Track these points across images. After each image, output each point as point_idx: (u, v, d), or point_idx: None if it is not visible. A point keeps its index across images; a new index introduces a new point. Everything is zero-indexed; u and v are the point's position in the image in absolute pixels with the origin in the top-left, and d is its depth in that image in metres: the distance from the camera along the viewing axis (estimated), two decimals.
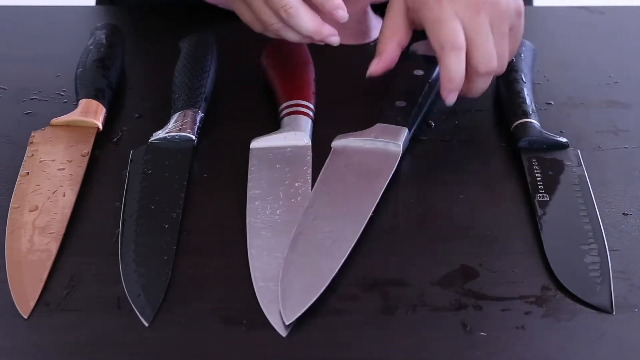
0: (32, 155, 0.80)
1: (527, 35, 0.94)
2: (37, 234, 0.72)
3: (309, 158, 0.79)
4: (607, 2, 0.98)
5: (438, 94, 0.81)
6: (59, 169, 0.78)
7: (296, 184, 0.76)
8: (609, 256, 0.70)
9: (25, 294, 0.67)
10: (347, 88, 0.89)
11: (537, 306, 0.67)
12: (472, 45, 0.77)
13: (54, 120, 0.83)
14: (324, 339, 0.65)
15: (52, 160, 0.79)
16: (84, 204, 0.76)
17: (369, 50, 0.94)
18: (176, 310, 0.67)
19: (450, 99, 0.78)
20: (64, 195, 0.75)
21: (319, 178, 0.76)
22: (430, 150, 0.79)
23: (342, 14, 0.79)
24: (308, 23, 0.79)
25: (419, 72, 0.86)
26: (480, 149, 0.83)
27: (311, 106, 0.84)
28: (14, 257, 0.70)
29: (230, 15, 0.89)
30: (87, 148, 0.80)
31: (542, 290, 0.68)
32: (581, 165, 0.79)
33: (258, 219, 0.73)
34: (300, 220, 0.72)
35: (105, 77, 0.87)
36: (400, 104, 0.83)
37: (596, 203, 0.75)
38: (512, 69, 0.87)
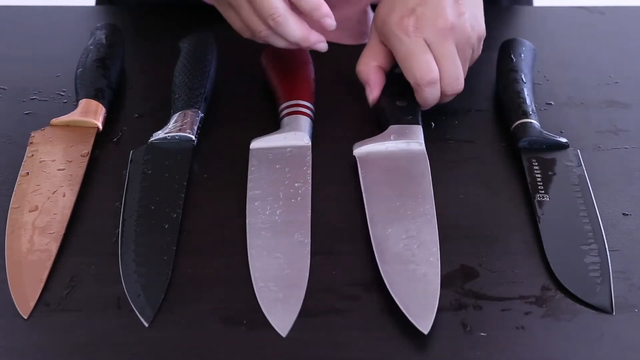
0: (32, 155, 0.80)
1: (527, 35, 0.94)
2: (37, 234, 0.72)
3: (309, 158, 0.79)
4: (607, 2, 0.98)
5: None
6: (58, 169, 0.78)
7: (296, 184, 0.76)
8: (609, 256, 0.70)
9: (25, 294, 0.68)
10: (347, 88, 0.89)
11: (537, 306, 0.67)
12: (442, 70, 0.81)
13: (54, 121, 0.83)
14: (324, 339, 0.65)
15: (52, 161, 0.79)
16: (84, 204, 0.76)
17: None
18: (176, 310, 0.67)
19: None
20: (63, 196, 0.75)
21: (363, 189, 0.76)
22: (430, 150, 0.79)
23: (330, 22, 0.81)
24: (295, 31, 0.81)
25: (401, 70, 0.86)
26: (480, 149, 0.83)
27: (311, 106, 0.84)
28: (14, 257, 0.70)
29: None
30: (87, 148, 0.80)
31: (542, 290, 0.68)
32: (581, 165, 0.79)
33: (258, 219, 0.73)
34: (372, 233, 0.71)
35: (105, 77, 0.87)
36: (401, 103, 0.83)
37: (596, 203, 0.75)
38: (512, 69, 0.87)
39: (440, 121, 0.85)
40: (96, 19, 1.03)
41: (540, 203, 0.75)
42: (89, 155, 0.80)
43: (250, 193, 0.76)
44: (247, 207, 0.74)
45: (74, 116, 0.83)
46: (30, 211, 0.74)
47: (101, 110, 0.84)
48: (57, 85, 0.90)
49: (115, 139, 0.83)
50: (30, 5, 1.05)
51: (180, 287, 0.68)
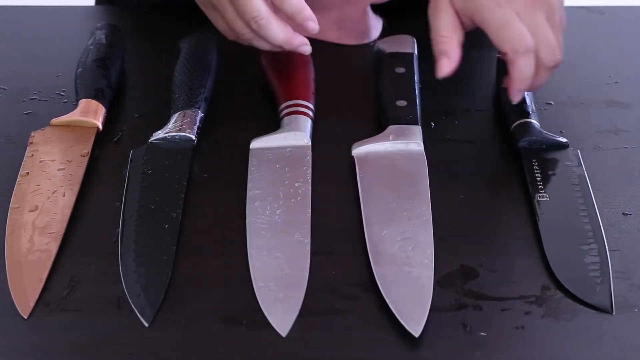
0: (32, 155, 0.80)
1: None
2: (37, 234, 0.72)
3: (309, 158, 0.79)
4: (607, 2, 0.98)
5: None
6: (58, 169, 0.78)
7: (296, 184, 0.76)
8: (609, 256, 0.70)
9: (25, 294, 0.68)
10: (347, 88, 0.89)
11: (537, 306, 0.67)
12: (539, 41, 0.78)
13: (54, 120, 0.83)
14: (324, 339, 0.65)
15: (52, 160, 0.79)
16: (84, 204, 0.76)
17: (368, 50, 0.94)
18: (176, 310, 0.67)
19: (517, 98, 0.80)
20: (63, 195, 0.75)
21: (360, 190, 0.76)
22: (430, 150, 0.79)
23: (313, 26, 0.81)
24: (278, 34, 0.80)
25: (401, 70, 0.86)
26: (480, 149, 0.83)
27: (311, 106, 0.84)
28: (14, 257, 0.70)
29: None
30: (87, 148, 0.80)
31: (542, 290, 0.68)
32: (581, 165, 0.79)
33: (258, 219, 0.73)
34: (368, 234, 0.71)
35: (105, 77, 0.87)
36: (401, 103, 0.83)
37: (596, 203, 0.75)
38: None
39: (440, 121, 0.85)
40: (96, 19, 1.03)
41: (540, 203, 0.75)
42: (89, 155, 0.80)
43: (250, 193, 0.76)
44: (247, 207, 0.74)
45: (74, 116, 0.83)
46: (30, 211, 0.74)
47: (101, 110, 0.84)
48: (57, 85, 0.90)
49: (115, 139, 0.83)
50: (30, 5, 1.05)
51: (180, 287, 0.68)
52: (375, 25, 0.97)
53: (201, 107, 0.83)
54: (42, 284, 0.68)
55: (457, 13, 0.81)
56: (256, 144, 0.80)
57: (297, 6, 0.80)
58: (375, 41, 0.96)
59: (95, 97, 0.84)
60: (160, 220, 0.73)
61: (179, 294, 0.68)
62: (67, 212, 0.74)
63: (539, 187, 0.76)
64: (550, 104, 0.88)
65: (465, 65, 0.92)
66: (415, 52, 0.90)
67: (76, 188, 0.76)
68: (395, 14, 0.97)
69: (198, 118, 0.82)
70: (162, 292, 0.68)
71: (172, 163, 0.78)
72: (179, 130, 0.80)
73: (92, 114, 0.83)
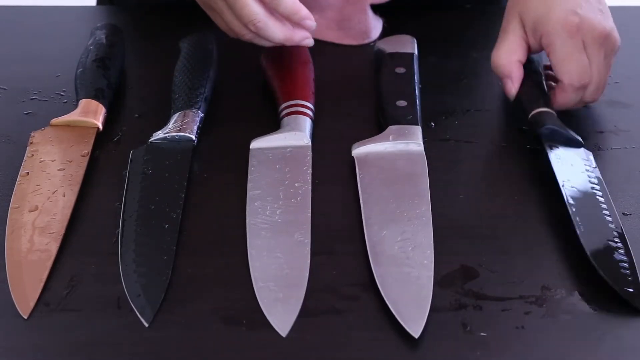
0: (32, 155, 0.80)
1: None
2: (37, 234, 0.72)
3: (309, 158, 0.79)
4: (607, 2, 0.98)
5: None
6: (59, 169, 0.78)
7: (296, 184, 0.76)
8: (633, 255, 0.69)
9: (25, 294, 0.67)
10: (347, 88, 0.89)
11: (537, 306, 0.67)
12: (592, 76, 0.82)
13: (54, 121, 0.83)
14: (324, 339, 0.65)
15: (52, 161, 0.79)
16: (84, 204, 0.76)
17: (368, 50, 0.94)
18: (176, 310, 0.67)
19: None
20: (64, 196, 0.75)
21: (360, 190, 0.76)
22: (430, 150, 0.79)
23: (310, 24, 0.82)
24: (278, 33, 0.82)
25: (401, 70, 0.86)
26: (481, 149, 0.83)
27: (311, 106, 0.84)
28: (14, 257, 0.70)
29: None
30: (87, 148, 0.80)
31: (542, 290, 0.68)
32: (596, 166, 0.78)
33: (258, 219, 0.73)
34: (368, 234, 0.71)
35: (105, 77, 0.87)
36: (401, 103, 0.83)
37: None
38: (532, 60, 0.87)
39: (440, 121, 0.85)
40: (96, 19, 1.03)
41: (567, 189, 0.74)
42: (89, 155, 0.80)
43: (250, 193, 0.76)
44: (247, 207, 0.74)
45: (74, 116, 0.83)
46: (30, 211, 0.74)
47: (101, 110, 0.84)
48: (57, 85, 0.90)
49: (115, 139, 0.83)
50: (30, 5, 1.05)
51: (180, 287, 0.68)
52: (375, 25, 0.97)
53: (201, 107, 0.83)
54: (42, 284, 0.68)
55: (525, 34, 0.83)
56: (256, 144, 0.80)
57: (293, 8, 0.81)
58: (375, 41, 0.96)
59: (95, 97, 0.84)
60: (160, 220, 0.73)
61: (179, 294, 0.68)
62: (67, 212, 0.74)
63: (562, 174, 0.76)
64: None
65: (465, 65, 0.92)
66: (415, 52, 0.90)
67: (76, 188, 0.76)
68: (395, 14, 0.97)
69: (198, 118, 0.82)
70: (162, 292, 0.68)
71: (172, 163, 0.78)
72: (179, 130, 0.80)
73: (92, 114, 0.83)
